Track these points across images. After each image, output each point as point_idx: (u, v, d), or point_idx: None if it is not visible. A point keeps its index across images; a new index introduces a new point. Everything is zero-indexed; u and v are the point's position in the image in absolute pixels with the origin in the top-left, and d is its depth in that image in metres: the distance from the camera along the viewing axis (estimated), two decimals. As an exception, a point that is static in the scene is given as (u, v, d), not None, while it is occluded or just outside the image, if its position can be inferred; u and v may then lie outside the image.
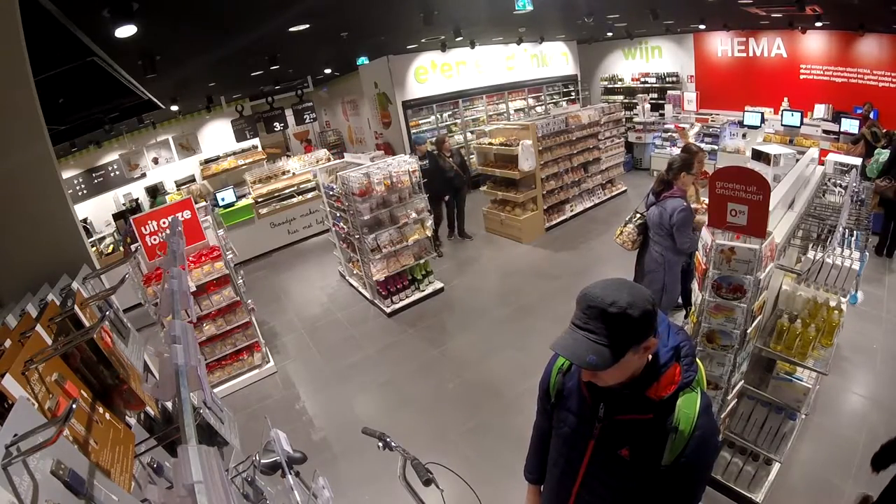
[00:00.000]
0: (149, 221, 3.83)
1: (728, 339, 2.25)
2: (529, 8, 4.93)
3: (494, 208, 7.33)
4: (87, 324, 1.64)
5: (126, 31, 3.13)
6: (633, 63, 11.49)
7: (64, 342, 1.35)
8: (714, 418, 1.22)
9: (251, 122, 9.97)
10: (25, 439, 0.88)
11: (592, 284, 1.13)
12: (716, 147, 8.41)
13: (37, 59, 2.21)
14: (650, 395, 1.16)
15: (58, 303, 1.70)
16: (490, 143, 7.03)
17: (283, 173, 8.86)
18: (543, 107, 10.83)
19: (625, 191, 8.58)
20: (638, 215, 3.77)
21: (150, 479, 1.43)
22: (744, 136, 8.09)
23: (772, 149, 4.03)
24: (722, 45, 9.50)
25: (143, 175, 9.62)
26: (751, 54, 9.07)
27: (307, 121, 10.24)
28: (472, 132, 9.55)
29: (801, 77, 8.35)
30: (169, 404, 1.97)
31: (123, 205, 9.25)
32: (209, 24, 3.86)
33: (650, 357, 1.18)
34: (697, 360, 1.27)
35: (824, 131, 7.65)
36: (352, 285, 6.28)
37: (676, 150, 8.18)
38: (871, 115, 6.98)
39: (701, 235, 2.36)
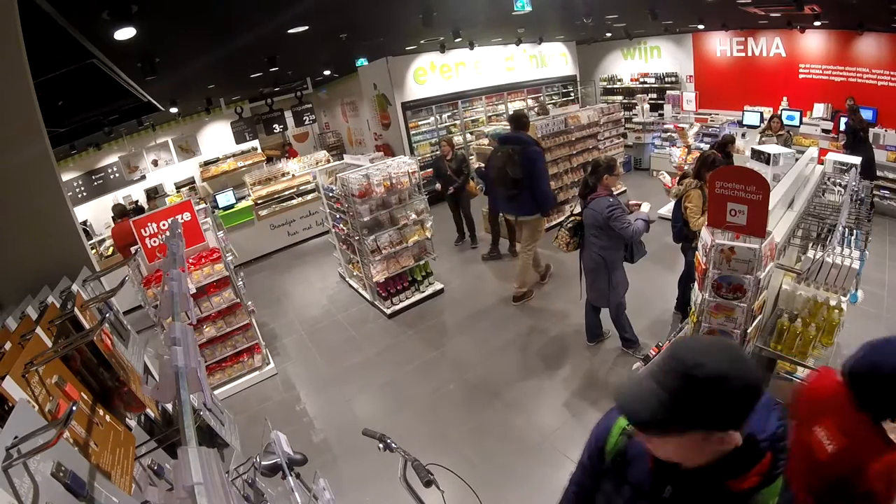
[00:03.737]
0: (148, 224, 3.83)
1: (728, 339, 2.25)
2: (528, 9, 4.94)
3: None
4: (87, 326, 1.64)
5: (125, 33, 3.14)
6: (632, 63, 11.50)
7: (64, 344, 1.35)
8: None
9: (250, 123, 9.98)
10: (26, 441, 0.88)
11: (690, 339, 1.01)
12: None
13: (36, 61, 2.21)
14: (731, 485, 0.96)
15: (58, 305, 1.70)
16: (490, 144, 7.03)
17: (283, 175, 8.87)
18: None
19: (624, 191, 8.59)
20: (571, 218, 3.88)
21: (150, 480, 1.43)
22: (743, 135, 8.09)
23: (771, 148, 4.04)
24: (721, 44, 9.51)
25: (143, 177, 9.62)
26: (749, 54, 9.08)
27: (306, 122, 10.25)
28: (471, 133, 9.55)
29: (801, 76, 8.36)
30: (169, 406, 1.97)
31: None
32: (208, 25, 3.87)
33: (740, 441, 0.95)
34: None
35: (823, 130, 7.67)
36: (352, 287, 6.28)
37: (676, 150, 8.19)
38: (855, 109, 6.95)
39: (701, 235, 2.36)
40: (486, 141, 7.08)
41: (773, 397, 1.02)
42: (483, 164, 6.23)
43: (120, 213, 6.30)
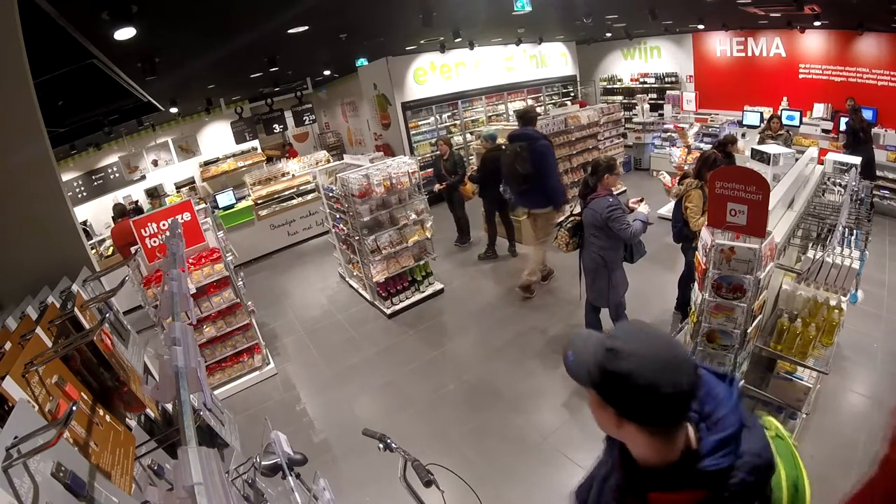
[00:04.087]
0: (148, 223, 3.83)
1: (728, 339, 2.25)
2: (528, 9, 4.94)
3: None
4: (87, 326, 1.64)
5: (125, 33, 3.14)
6: (631, 63, 11.50)
7: (64, 344, 1.35)
8: None
9: (250, 123, 9.98)
10: (26, 441, 0.88)
11: (646, 324, 0.97)
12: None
13: (36, 61, 2.21)
14: (652, 497, 0.93)
15: (58, 305, 1.70)
16: (482, 146, 7.00)
17: (283, 175, 8.87)
18: (543, 107, 10.84)
19: (624, 191, 8.58)
20: (570, 218, 3.91)
21: (150, 480, 1.43)
22: (743, 135, 8.10)
23: (771, 148, 4.04)
24: (721, 44, 9.51)
25: (143, 177, 9.62)
26: (749, 54, 9.09)
27: (306, 122, 10.25)
28: (471, 133, 9.55)
29: (801, 76, 8.36)
30: (169, 406, 1.97)
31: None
32: (208, 25, 3.87)
33: (685, 450, 0.91)
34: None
35: (823, 130, 7.67)
36: (352, 287, 6.28)
37: (676, 150, 8.19)
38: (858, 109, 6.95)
39: (701, 235, 2.36)
40: (482, 142, 6.98)
41: (756, 445, 0.90)
42: (476, 168, 6.28)
43: (119, 213, 6.30)
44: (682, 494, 0.89)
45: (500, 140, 6.68)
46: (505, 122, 8.50)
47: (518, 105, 10.47)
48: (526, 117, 5.16)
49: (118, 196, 9.30)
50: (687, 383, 0.85)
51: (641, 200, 3.64)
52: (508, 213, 6.45)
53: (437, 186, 6.81)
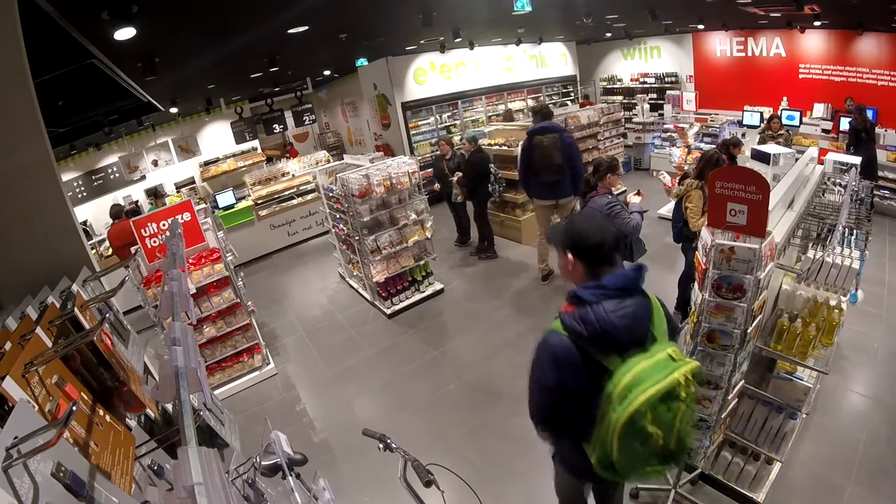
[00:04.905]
0: (148, 224, 3.83)
1: (728, 339, 2.24)
2: (528, 9, 4.95)
3: (494, 209, 7.31)
4: (87, 326, 1.64)
5: (125, 33, 3.14)
6: (631, 63, 11.50)
7: (64, 344, 1.35)
8: (546, 350, 1.51)
9: (250, 123, 9.98)
10: (26, 441, 0.88)
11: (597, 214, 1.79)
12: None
13: (36, 61, 2.22)
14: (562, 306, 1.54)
15: (58, 305, 1.70)
16: (489, 144, 7.03)
17: (283, 175, 8.87)
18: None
19: (624, 191, 8.58)
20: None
21: (150, 481, 1.43)
22: (743, 135, 8.09)
23: (771, 148, 4.03)
24: (721, 44, 9.51)
25: (143, 177, 9.61)
26: (749, 54, 9.09)
27: (306, 122, 10.24)
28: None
29: (800, 76, 8.36)
30: (169, 406, 1.97)
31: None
32: (208, 25, 3.87)
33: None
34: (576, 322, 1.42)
35: (823, 130, 7.66)
36: (352, 287, 6.28)
37: (676, 150, 8.19)
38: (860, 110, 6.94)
39: (701, 235, 2.36)
40: (466, 144, 6.52)
41: (612, 310, 1.39)
42: (462, 173, 6.27)
43: (116, 214, 6.28)
44: (567, 304, 1.51)
45: (482, 142, 6.72)
46: (504, 123, 8.48)
47: (518, 104, 10.48)
48: (543, 112, 5.35)
49: (118, 196, 9.30)
50: (607, 241, 1.50)
51: (638, 193, 3.70)
52: (486, 213, 6.51)
53: (444, 188, 6.80)
